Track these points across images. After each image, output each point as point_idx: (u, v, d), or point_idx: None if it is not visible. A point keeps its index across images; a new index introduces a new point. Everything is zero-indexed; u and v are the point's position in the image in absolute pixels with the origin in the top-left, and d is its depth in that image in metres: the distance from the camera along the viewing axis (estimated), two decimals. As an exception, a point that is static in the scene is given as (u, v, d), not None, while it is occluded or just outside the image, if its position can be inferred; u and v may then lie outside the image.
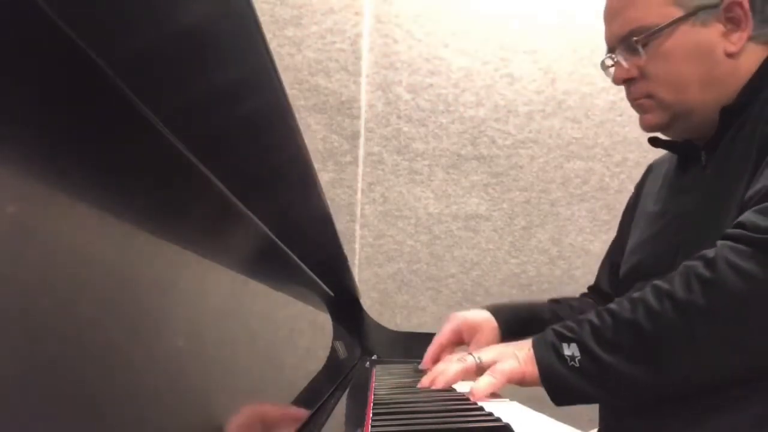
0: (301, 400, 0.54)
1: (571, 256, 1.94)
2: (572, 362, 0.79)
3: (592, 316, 0.81)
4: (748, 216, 0.73)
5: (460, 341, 1.04)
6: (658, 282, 0.77)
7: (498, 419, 0.58)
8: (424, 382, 0.86)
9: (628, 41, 0.92)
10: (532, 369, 0.82)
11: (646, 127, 0.97)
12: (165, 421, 0.26)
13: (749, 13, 0.88)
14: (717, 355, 0.74)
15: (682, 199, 0.95)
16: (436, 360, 0.99)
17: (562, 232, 1.95)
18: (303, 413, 0.52)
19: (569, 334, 0.80)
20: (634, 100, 0.96)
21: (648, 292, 0.76)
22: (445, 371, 0.85)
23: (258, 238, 0.58)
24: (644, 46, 0.91)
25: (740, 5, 0.88)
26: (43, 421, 0.18)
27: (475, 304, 1.93)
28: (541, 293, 1.91)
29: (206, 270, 0.39)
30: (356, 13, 1.87)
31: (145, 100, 0.30)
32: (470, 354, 0.86)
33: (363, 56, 1.87)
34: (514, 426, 0.54)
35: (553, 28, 1.94)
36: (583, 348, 0.79)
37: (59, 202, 0.22)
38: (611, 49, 0.97)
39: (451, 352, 1.03)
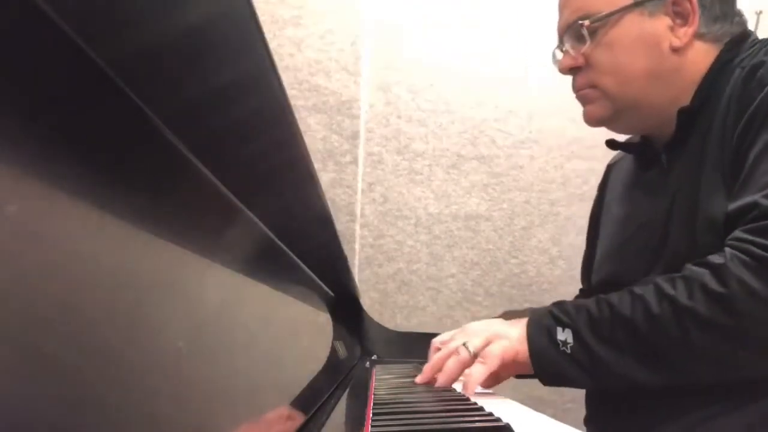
0: (301, 400, 0.54)
1: (571, 256, 1.94)
2: (564, 347, 0.80)
3: (591, 304, 0.81)
4: (753, 234, 0.72)
5: None
6: (660, 281, 0.77)
7: (498, 419, 0.58)
8: (422, 378, 0.85)
9: (575, 27, 0.90)
10: (524, 348, 0.83)
11: (590, 119, 0.95)
12: (165, 421, 0.26)
13: (697, 9, 0.87)
14: (711, 363, 0.75)
15: (647, 203, 0.93)
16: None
17: (562, 232, 1.95)
18: (303, 413, 0.52)
19: (566, 319, 0.81)
20: (578, 91, 0.94)
21: (650, 290, 0.76)
22: (444, 371, 0.84)
23: (258, 238, 0.58)
24: (591, 33, 0.89)
25: (689, 0, 0.86)
26: (44, 421, 0.18)
27: (475, 304, 1.93)
28: (541, 293, 1.91)
29: (206, 270, 0.39)
30: (356, 13, 1.87)
31: (145, 100, 0.30)
32: (463, 345, 0.85)
33: (363, 56, 1.87)
34: (514, 426, 0.54)
35: (554, 28, 1.94)
36: (577, 335, 0.79)
37: (59, 202, 0.22)
38: (560, 40, 0.96)
39: None
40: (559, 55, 0.96)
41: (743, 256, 0.71)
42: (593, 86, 0.91)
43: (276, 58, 0.36)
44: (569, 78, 0.97)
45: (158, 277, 0.30)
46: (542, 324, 0.83)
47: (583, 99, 0.94)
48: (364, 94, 1.88)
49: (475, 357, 0.84)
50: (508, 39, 1.95)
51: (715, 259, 0.73)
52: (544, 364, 0.82)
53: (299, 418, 0.50)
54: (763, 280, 0.69)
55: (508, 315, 0.98)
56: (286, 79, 1.80)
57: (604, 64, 0.90)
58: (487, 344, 0.84)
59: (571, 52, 0.92)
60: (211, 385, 0.34)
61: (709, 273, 0.73)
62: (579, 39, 0.91)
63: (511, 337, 0.83)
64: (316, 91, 1.85)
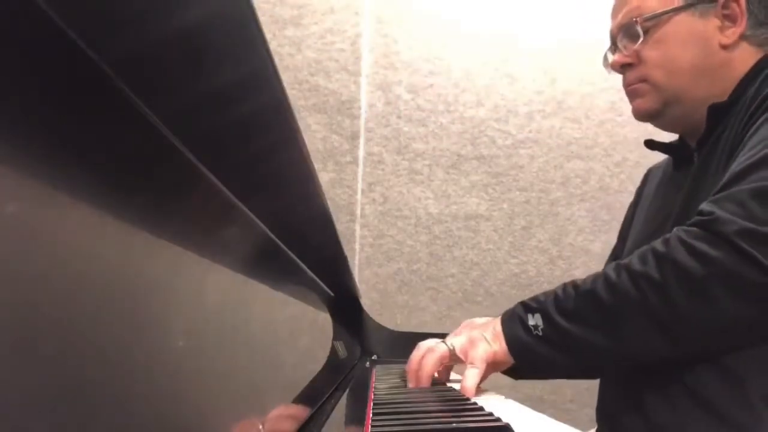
0: (301, 400, 0.54)
1: (571, 256, 1.94)
2: (536, 331, 0.84)
3: (558, 288, 0.86)
4: (703, 205, 0.77)
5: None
6: (618, 261, 0.82)
7: (498, 419, 0.58)
8: (411, 384, 0.87)
9: (630, 25, 0.96)
10: (500, 346, 0.86)
11: (638, 112, 1.00)
12: (165, 421, 0.26)
13: (745, 12, 0.92)
14: (668, 325, 0.77)
15: (672, 198, 0.98)
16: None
17: (562, 232, 1.95)
18: (303, 413, 0.52)
19: (534, 305, 0.86)
20: (628, 86, 1.00)
21: (609, 267, 0.82)
22: (423, 367, 0.87)
23: (258, 238, 0.58)
24: (644, 32, 0.95)
25: (737, 2, 0.92)
26: (43, 421, 0.18)
27: (475, 304, 1.93)
28: (541, 293, 1.91)
29: (206, 270, 0.39)
30: (356, 13, 1.87)
31: (145, 100, 0.30)
32: (442, 342, 0.89)
33: (363, 56, 1.87)
34: (514, 426, 0.54)
35: (554, 28, 1.94)
36: (545, 317, 0.83)
37: (59, 202, 0.22)
38: (612, 41, 1.02)
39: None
40: (611, 57, 1.02)
41: (687, 227, 0.76)
42: (643, 80, 0.97)
43: (276, 58, 0.36)
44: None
45: (158, 277, 0.30)
46: (514, 314, 0.87)
47: (633, 93, 1.00)
48: (364, 94, 1.88)
49: (452, 351, 0.87)
50: (509, 39, 1.95)
51: (668, 234, 0.78)
52: (520, 351, 0.85)
53: (299, 418, 0.50)
54: (701, 239, 0.73)
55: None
56: (286, 79, 1.80)
57: (654, 59, 0.95)
58: (468, 345, 0.87)
59: (624, 51, 0.98)
60: (212, 385, 0.34)
61: (659, 241, 0.78)
62: (632, 37, 0.96)
63: (487, 339, 0.87)
64: (316, 91, 1.85)
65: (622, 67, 0.99)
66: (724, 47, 0.92)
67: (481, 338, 0.87)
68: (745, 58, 0.92)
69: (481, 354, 0.85)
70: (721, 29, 0.92)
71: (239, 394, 0.39)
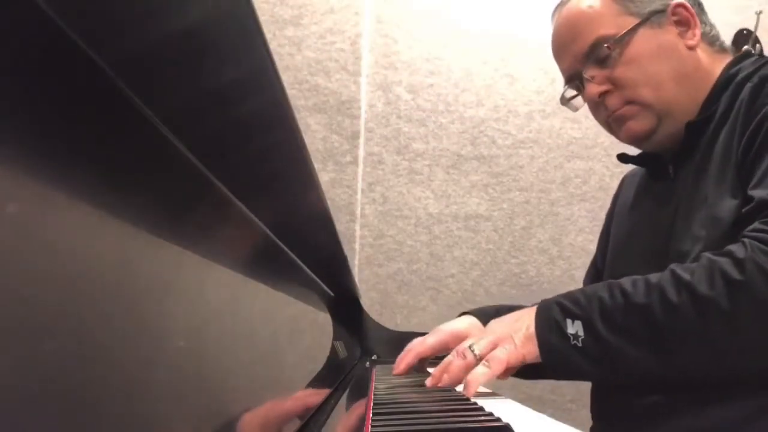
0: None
1: (571, 256, 1.94)
2: (575, 341, 0.77)
3: (603, 291, 0.79)
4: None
5: (445, 352, 0.96)
6: (677, 269, 0.75)
7: (498, 419, 0.58)
8: (430, 382, 0.86)
9: (596, 53, 0.93)
10: (531, 348, 0.80)
11: (632, 135, 0.95)
12: (165, 422, 0.26)
13: (694, 12, 0.93)
14: (726, 353, 0.73)
15: (653, 211, 0.96)
16: (408, 369, 0.97)
17: (562, 232, 1.95)
18: (303, 412, 0.52)
19: (576, 311, 0.79)
20: (613, 112, 0.95)
21: (666, 279, 0.75)
22: (449, 371, 0.84)
23: (258, 238, 0.58)
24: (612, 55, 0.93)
25: (683, 7, 0.93)
26: (43, 421, 0.18)
27: (475, 304, 1.93)
28: (541, 293, 1.90)
29: (206, 270, 0.39)
30: (356, 13, 1.87)
31: (145, 100, 0.30)
32: (470, 348, 0.84)
33: (363, 56, 1.87)
34: (514, 426, 0.54)
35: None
36: (588, 327, 0.77)
37: (59, 202, 0.22)
38: (570, 78, 0.99)
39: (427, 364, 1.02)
40: (570, 93, 1.01)
41: (762, 245, 0.70)
42: (630, 102, 0.93)
43: (276, 58, 0.36)
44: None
45: (158, 277, 0.30)
46: (551, 318, 0.80)
47: (621, 118, 0.95)
48: (364, 94, 1.88)
49: (479, 359, 0.83)
50: (509, 39, 1.95)
51: (735, 248, 0.72)
52: (555, 361, 0.79)
53: (299, 418, 0.50)
54: None
55: (474, 312, 1.02)
56: (286, 79, 1.80)
57: (634, 79, 0.92)
58: (493, 347, 0.82)
59: (594, 80, 0.94)
60: (212, 386, 0.34)
61: (729, 261, 0.71)
62: (601, 63, 0.93)
63: (517, 341, 0.82)
64: (316, 91, 1.85)
65: (600, 97, 0.95)
66: (691, 48, 0.93)
67: (509, 339, 0.82)
68: (708, 56, 0.93)
69: (502, 356, 0.80)
70: (681, 35, 0.93)
71: (239, 394, 0.39)
